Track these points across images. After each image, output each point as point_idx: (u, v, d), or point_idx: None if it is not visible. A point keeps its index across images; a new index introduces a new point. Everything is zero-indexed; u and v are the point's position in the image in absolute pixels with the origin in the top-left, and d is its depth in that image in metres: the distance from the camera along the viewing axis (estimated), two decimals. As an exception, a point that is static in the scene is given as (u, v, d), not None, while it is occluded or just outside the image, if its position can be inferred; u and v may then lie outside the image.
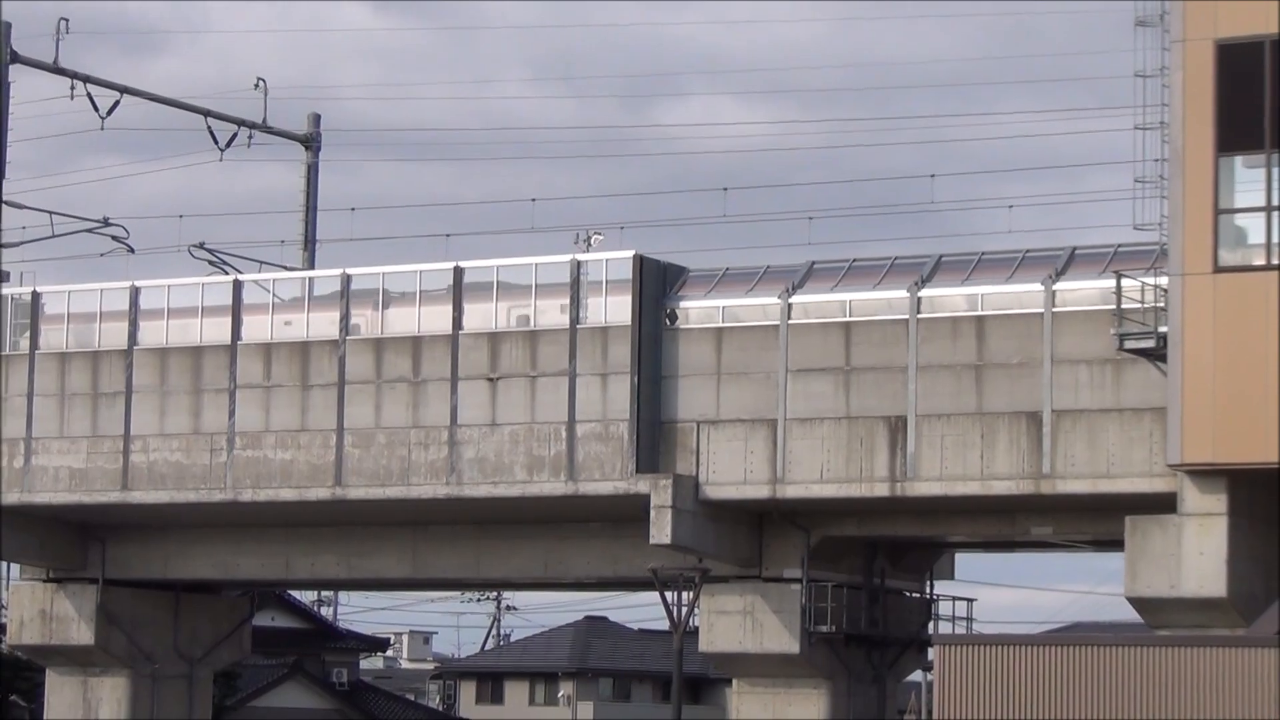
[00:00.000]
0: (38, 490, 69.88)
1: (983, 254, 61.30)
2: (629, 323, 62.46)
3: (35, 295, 71.40)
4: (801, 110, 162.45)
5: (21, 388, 70.37)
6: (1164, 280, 49.07)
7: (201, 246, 77.16)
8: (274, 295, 68.59)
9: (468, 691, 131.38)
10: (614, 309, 62.89)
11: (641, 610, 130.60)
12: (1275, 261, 45.31)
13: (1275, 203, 45.21)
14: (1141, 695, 25.62)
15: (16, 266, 74.47)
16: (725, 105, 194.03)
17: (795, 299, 61.59)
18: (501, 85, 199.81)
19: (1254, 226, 45.73)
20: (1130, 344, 52.83)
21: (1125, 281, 53.97)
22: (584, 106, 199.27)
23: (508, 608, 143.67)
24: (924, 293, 60.04)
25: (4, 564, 75.99)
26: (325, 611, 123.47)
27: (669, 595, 64.21)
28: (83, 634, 72.26)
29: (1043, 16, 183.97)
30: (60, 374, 70.00)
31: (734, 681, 67.51)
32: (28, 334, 70.75)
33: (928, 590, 69.23)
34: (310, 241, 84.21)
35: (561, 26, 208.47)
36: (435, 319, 65.17)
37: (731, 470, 61.72)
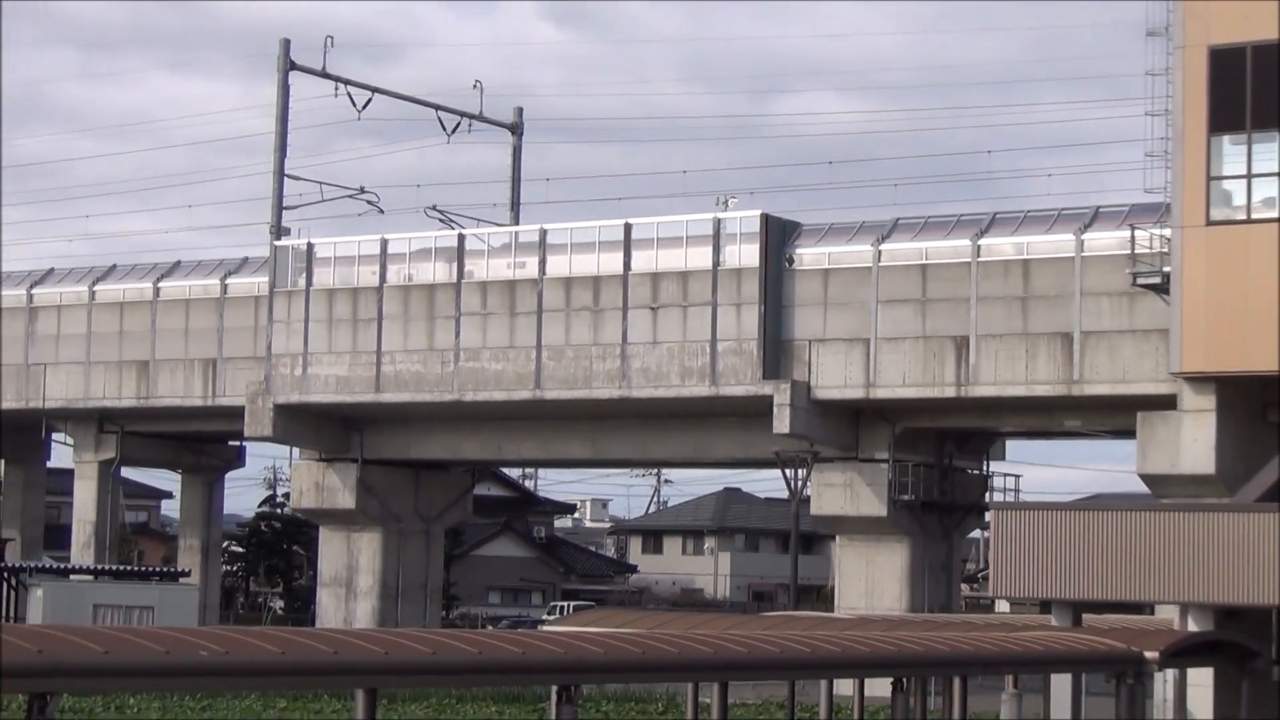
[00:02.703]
0: (312, 392, 70.57)
1: (1027, 212, 61.02)
2: (757, 265, 62.51)
3: (310, 245, 71.96)
4: (886, 101, 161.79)
5: (299, 315, 70.99)
6: (1168, 231, 48.69)
7: (433, 208, 77.60)
8: (489, 245, 68.89)
9: (635, 544, 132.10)
10: (745, 255, 62.94)
11: (767, 483, 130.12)
12: (1254, 217, 44.94)
13: (1254, 171, 44.84)
14: (1147, 548, 25.52)
15: (295, 224, 75.22)
16: (827, 98, 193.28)
17: (884, 247, 61.47)
18: (656, 84, 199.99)
19: (1238, 190, 45.37)
20: (1141, 280, 52.60)
21: (1138, 233, 53.76)
22: (719, 100, 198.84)
23: (666, 481, 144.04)
24: (983, 242, 59.85)
25: (288, 448, 76.90)
26: (528, 484, 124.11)
27: (788, 472, 64.43)
28: (346, 500, 72.99)
29: (1073, 28, 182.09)
30: (328, 305, 70.55)
31: (837, 537, 67.57)
32: (304, 275, 71.33)
33: (985, 468, 69.07)
34: (515, 204, 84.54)
35: (701, 39, 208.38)
36: (610, 263, 65.35)
37: (835, 377, 61.74)
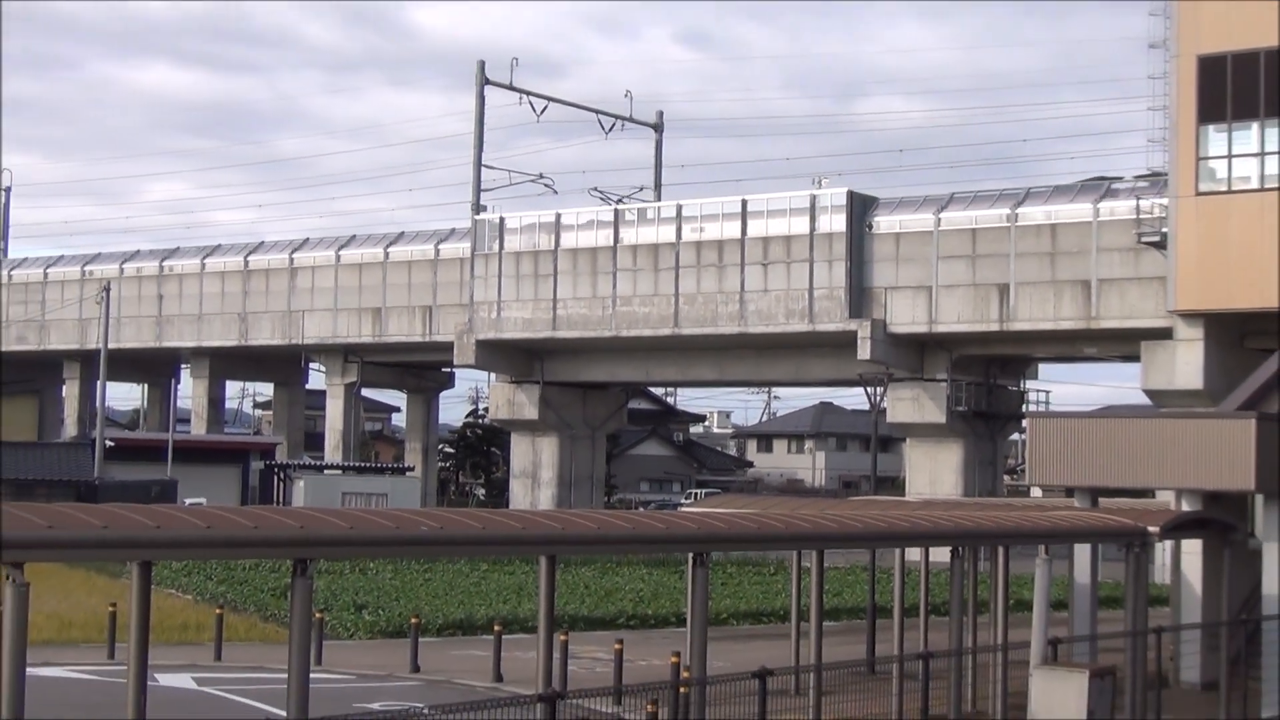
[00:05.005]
0: (505, 331, 71.03)
1: (1055, 186, 60.42)
2: (844, 230, 62.21)
3: (501, 219, 72.32)
4: (942, 102, 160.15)
5: (494, 271, 71.43)
6: (1166, 201, 48.02)
7: (595, 189, 77.87)
8: (637, 217, 68.95)
9: (751, 445, 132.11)
10: (835, 222, 62.65)
11: (853, 398, 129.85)
12: (1234, 189, 44.24)
13: (1233, 153, 44.13)
14: (1150, 446, 25.23)
15: (490, 202, 75.60)
16: (896, 101, 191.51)
17: (943, 215, 61.01)
18: (764, 91, 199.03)
19: (1221, 168, 44.68)
20: (1145, 239, 52.16)
21: (1143, 201, 53.25)
22: (813, 103, 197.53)
23: (774, 397, 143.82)
24: (1020, 210, 59.28)
25: (486, 373, 77.48)
26: (669, 399, 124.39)
27: (869, 389, 64.24)
28: (531, 413, 73.48)
29: (1090, 42, 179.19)
30: (516, 264, 70.92)
31: (907, 439, 67.40)
32: (497, 241, 71.70)
33: (1022, 385, 68.58)
34: (658, 185, 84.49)
35: (798, 56, 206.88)
36: (731, 230, 65.27)
37: (904, 316, 61.41)
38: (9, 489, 59.65)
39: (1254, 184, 43.97)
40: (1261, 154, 43.67)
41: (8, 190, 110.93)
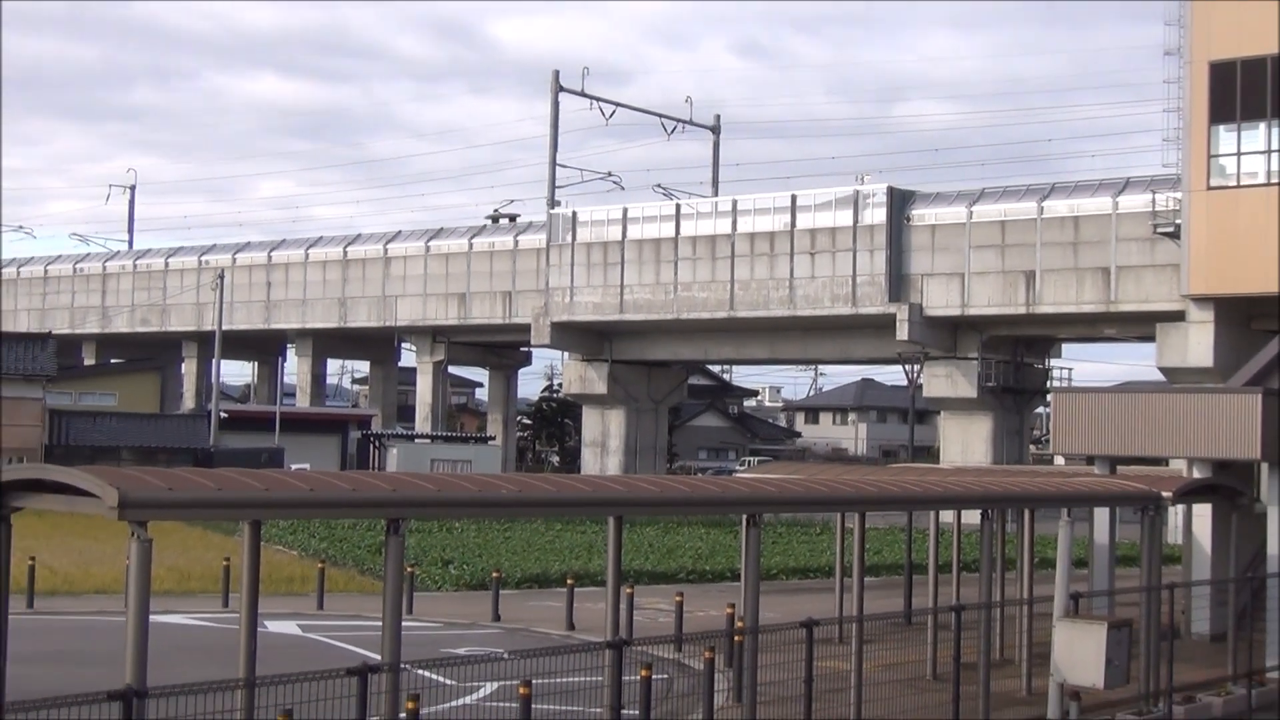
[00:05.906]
0: (577, 314, 71.08)
1: (1078, 182, 59.91)
2: (884, 223, 61.88)
3: (574, 213, 72.33)
4: (973, 105, 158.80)
5: (567, 261, 71.47)
6: (1179, 194, 47.52)
7: (658, 186, 77.98)
8: (697, 211, 68.80)
9: (799, 417, 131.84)
10: (876, 215, 62.32)
11: (892, 375, 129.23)
12: (1242, 184, 43.71)
13: (1242, 151, 43.59)
14: (1164, 418, 25.01)
15: (563, 198, 75.68)
16: (931, 104, 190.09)
17: (974, 208, 60.60)
18: (811, 96, 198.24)
19: (1230, 164, 44.11)
20: (1160, 229, 51.65)
21: (1158, 195, 52.72)
22: (855, 107, 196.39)
23: (821, 374, 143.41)
24: (1045, 203, 58.81)
25: (560, 352, 77.60)
26: (725, 376, 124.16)
27: (907, 366, 63.96)
28: (601, 388, 73.55)
29: (1109, 49, 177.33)
30: (587, 253, 70.95)
31: (941, 412, 67.04)
32: (570, 233, 71.75)
33: (1047, 363, 68.04)
34: (715, 182, 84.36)
35: (841, 64, 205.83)
36: (781, 222, 65.06)
37: (939, 300, 61.05)
38: (134, 455, 60.41)
39: (1261, 179, 43.45)
40: (1268, 151, 43.14)
41: (133, 188, 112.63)
